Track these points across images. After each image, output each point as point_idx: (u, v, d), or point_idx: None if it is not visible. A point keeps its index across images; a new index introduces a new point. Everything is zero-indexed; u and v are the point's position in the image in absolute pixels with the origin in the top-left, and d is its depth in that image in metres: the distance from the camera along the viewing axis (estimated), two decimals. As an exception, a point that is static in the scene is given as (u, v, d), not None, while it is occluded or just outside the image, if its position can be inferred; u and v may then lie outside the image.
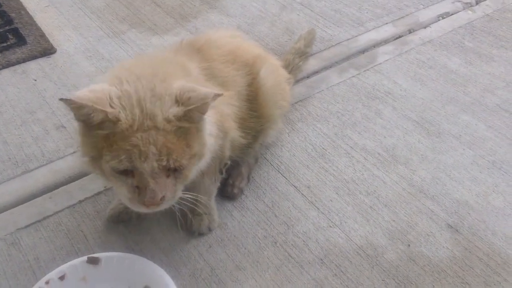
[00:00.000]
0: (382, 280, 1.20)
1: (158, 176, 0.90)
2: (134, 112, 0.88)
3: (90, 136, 0.91)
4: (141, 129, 0.88)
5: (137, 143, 0.87)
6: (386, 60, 1.94)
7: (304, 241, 1.29)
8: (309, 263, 1.24)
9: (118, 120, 0.87)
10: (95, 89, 0.90)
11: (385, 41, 2.05)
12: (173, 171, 0.93)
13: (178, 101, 0.91)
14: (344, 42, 2.03)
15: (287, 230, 1.31)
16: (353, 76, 1.86)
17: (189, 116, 0.91)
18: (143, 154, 0.88)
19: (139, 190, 0.91)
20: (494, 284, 1.20)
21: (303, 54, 1.77)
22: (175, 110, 0.90)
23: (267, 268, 1.22)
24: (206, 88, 0.94)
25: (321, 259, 1.25)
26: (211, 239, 1.28)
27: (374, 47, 2.02)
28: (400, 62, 1.93)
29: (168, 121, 0.90)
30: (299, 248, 1.27)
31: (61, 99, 0.84)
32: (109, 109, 0.87)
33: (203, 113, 0.93)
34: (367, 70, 1.89)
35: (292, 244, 1.27)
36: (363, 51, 2.00)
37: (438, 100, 1.76)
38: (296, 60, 1.73)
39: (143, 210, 0.94)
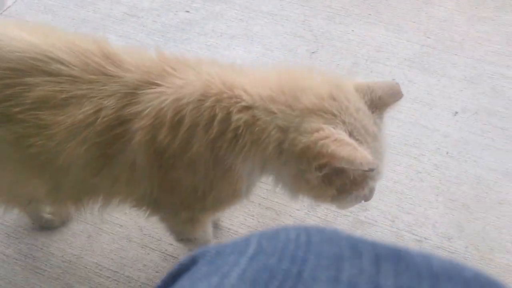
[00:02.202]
0: None
1: None
2: (370, 144, 0.80)
3: (334, 181, 0.82)
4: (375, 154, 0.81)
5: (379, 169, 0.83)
6: (15, 2, 1.81)
7: None
8: None
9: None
10: (343, 140, 0.74)
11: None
12: None
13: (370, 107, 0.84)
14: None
15: None
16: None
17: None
18: (380, 172, 0.85)
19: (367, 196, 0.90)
20: None
21: None
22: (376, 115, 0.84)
23: None
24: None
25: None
26: None
27: (1, -10, 1.86)
28: (30, 1, 1.83)
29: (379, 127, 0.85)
30: None
31: (370, 169, 0.75)
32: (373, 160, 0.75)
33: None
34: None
35: None
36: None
37: (71, 26, 1.73)
38: None
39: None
